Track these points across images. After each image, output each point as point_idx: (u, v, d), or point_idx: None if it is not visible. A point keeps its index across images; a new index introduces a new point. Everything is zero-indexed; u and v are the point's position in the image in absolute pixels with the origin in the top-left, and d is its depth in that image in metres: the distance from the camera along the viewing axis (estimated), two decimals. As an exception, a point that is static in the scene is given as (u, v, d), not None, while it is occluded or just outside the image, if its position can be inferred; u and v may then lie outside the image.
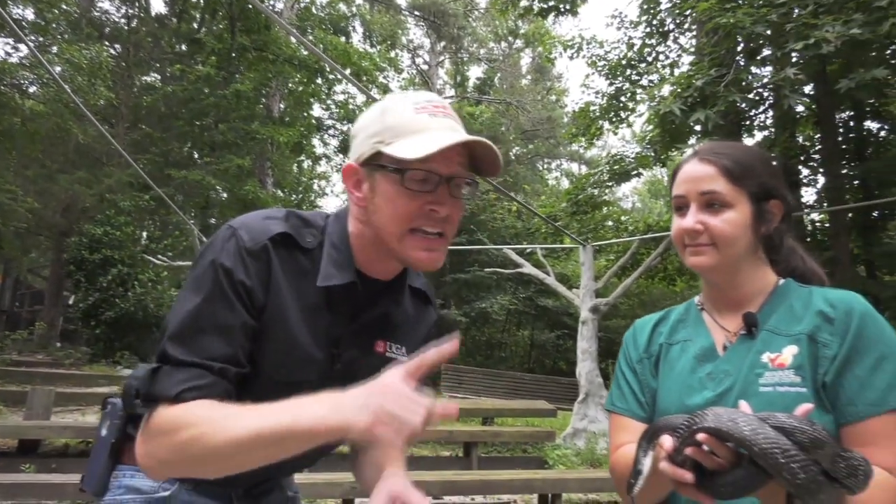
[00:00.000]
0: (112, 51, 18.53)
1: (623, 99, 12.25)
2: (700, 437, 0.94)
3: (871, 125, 12.68)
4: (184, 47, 20.11)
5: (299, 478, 4.87)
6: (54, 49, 14.82)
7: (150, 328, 14.49)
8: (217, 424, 0.94)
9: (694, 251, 1.27)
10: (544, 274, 11.39)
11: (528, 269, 11.57)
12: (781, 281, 1.32)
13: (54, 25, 16.05)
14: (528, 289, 22.03)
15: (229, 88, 17.34)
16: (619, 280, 11.79)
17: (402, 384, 0.89)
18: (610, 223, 14.20)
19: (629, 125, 13.25)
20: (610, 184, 12.85)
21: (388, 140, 1.09)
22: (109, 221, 15.01)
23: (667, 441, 0.98)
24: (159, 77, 20.63)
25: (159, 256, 14.68)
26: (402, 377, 0.90)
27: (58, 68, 13.72)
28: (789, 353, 1.18)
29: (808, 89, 11.07)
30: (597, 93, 12.89)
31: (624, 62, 12.33)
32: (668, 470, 0.98)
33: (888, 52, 8.09)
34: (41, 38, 15.30)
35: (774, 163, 1.37)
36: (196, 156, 19.57)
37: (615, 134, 13.41)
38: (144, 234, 18.13)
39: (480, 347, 25.66)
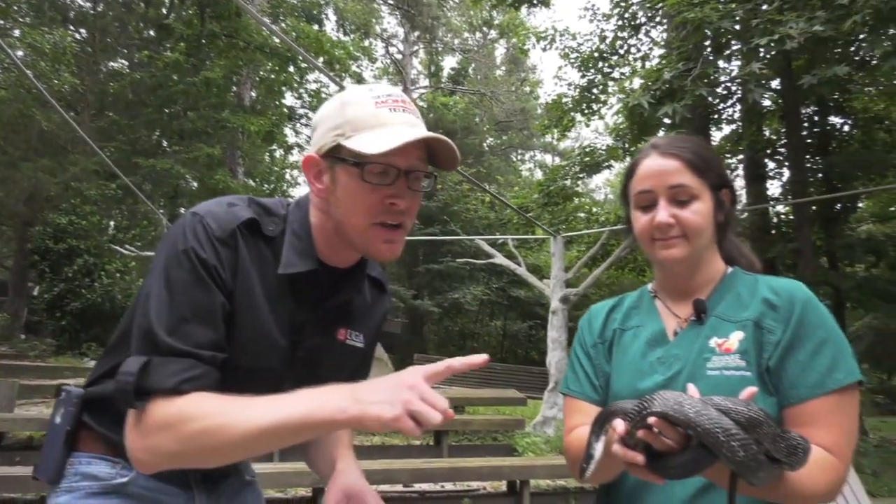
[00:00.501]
0: (77, 35, 18.08)
1: (595, 91, 12.35)
2: (651, 420, 0.98)
3: (835, 120, 12.99)
4: (152, 33, 19.69)
5: (271, 468, 4.88)
6: (16, 32, 14.42)
7: (118, 319, 14.20)
8: (232, 416, 0.96)
9: (665, 244, 1.30)
10: (516, 264, 11.47)
11: (500, 259, 11.64)
12: (729, 269, 1.37)
13: (15, 8, 15.61)
14: (500, 279, 22.18)
15: (199, 76, 17.04)
16: (590, 270, 11.93)
17: (423, 383, 0.91)
18: (581, 214, 14.35)
19: (601, 117, 13.40)
20: (581, 175, 12.98)
21: (348, 133, 1.10)
22: (75, 210, 14.69)
23: (620, 425, 1.01)
24: (126, 63, 20.19)
25: (127, 246, 14.42)
26: (423, 376, 0.91)
27: (20, 53, 13.37)
28: (736, 338, 1.24)
29: (774, 84, 11.29)
30: (569, 85, 13.00)
31: (596, 54, 12.43)
32: (620, 453, 1.01)
33: (851, 49, 8.29)
34: (1, 21, 14.87)
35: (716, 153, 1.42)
36: (164, 144, 19.22)
37: (587, 126, 13.57)
38: (111, 223, 17.79)
39: (453, 337, 25.79)
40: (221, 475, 1.33)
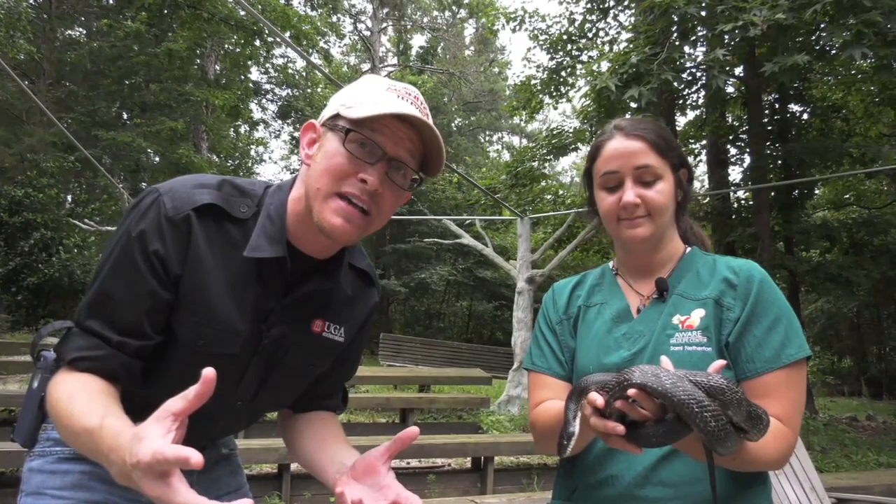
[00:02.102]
0: (32, 1, 17.38)
1: (563, 73, 12.40)
2: (631, 392, 1.02)
3: (795, 108, 13.28)
4: (111, 1, 19.04)
5: (237, 444, 4.87)
6: (-33, -4, 13.81)
7: (77, 295, 13.95)
8: (61, 413, 1.00)
9: (631, 224, 1.33)
10: (483, 245, 11.55)
11: (467, 240, 11.69)
12: (688, 249, 1.42)
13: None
14: (467, 260, 22.25)
15: (161, 47, 16.57)
16: (555, 252, 12.06)
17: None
18: (548, 196, 14.44)
19: (569, 100, 13.45)
20: (549, 157, 13.06)
21: (349, 105, 1.11)
22: (31, 183, 14.25)
23: (597, 398, 1.05)
24: (84, 32, 19.51)
25: (86, 221, 14.05)
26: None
27: (-29, 18, 12.81)
28: (697, 315, 1.29)
29: (738, 71, 11.49)
30: (538, 67, 13.02)
31: (565, 37, 12.47)
32: (600, 425, 1.05)
33: (812, 38, 8.48)
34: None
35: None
36: (125, 116, 18.71)
37: (555, 108, 13.65)
38: (69, 197, 17.31)
39: (419, 317, 25.86)
40: (196, 448, 1.33)
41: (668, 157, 1.34)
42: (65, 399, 1.01)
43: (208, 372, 0.81)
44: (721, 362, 1.09)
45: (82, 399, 1.00)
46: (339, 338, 1.29)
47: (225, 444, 1.45)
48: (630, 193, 1.31)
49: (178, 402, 0.82)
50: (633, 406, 1.03)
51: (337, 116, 1.12)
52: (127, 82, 17.68)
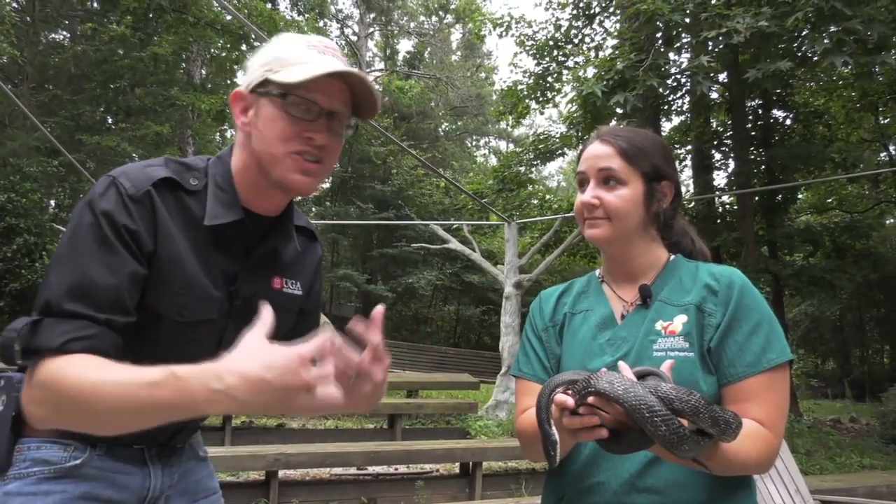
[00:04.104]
0: (15, 4, 17.22)
1: (549, 79, 12.48)
2: (590, 399, 1.05)
3: (778, 114, 13.45)
4: (96, 5, 18.90)
5: (223, 451, 4.85)
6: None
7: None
8: (95, 389, 0.95)
9: (590, 224, 1.39)
10: (470, 250, 11.56)
11: (454, 245, 11.70)
12: (672, 257, 1.45)
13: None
14: (454, 265, 22.27)
15: (146, 51, 16.46)
16: (543, 257, 12.11)
17: (307, 370, 0.88)
18: (535, 201, 14.52)
19: (555, 105, 13.54)
20: (535, 162, 13.14)
21: (275, 69, 1.15)
22: (14, 188, 14.05)
23: (567, 399, 1.07)
24: (68, 35, 19.34)
25: (69, 226, 13.93)
26: (307, 357, 0.88)
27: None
28: (679, 321, 1.31)
29: (722, 77, 11.62)
30: (524, 72, 13.08)
31: (551, 43, 12.55)
32: (576, 423, 1.07)
33: (794, 45, 8.59)
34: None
35: (668, 149, 1.50)
36: (110, 121, 18.54)
37: (541, 113, 13.75)
38: (53, 202, 17.13)
39: (407, 322, 25.81)
40: (175, 449, 1.33)
41: (636, 164, 1.37)
42: (93, 374, 0.96)
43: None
44: (670, 362, 1.15)
45: (116, 367, 0.97)
46: (297, 291, 1.35)
47: (200, 448, 1.44)
48: (588, 193, 1.38)
49: (261, 328, 0.92)
50: (594, 412, 1.05)
51: (266, 83, 1.16)
52: (112, 86, 17.51)
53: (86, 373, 0.97)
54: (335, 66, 1.14)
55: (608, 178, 1.37)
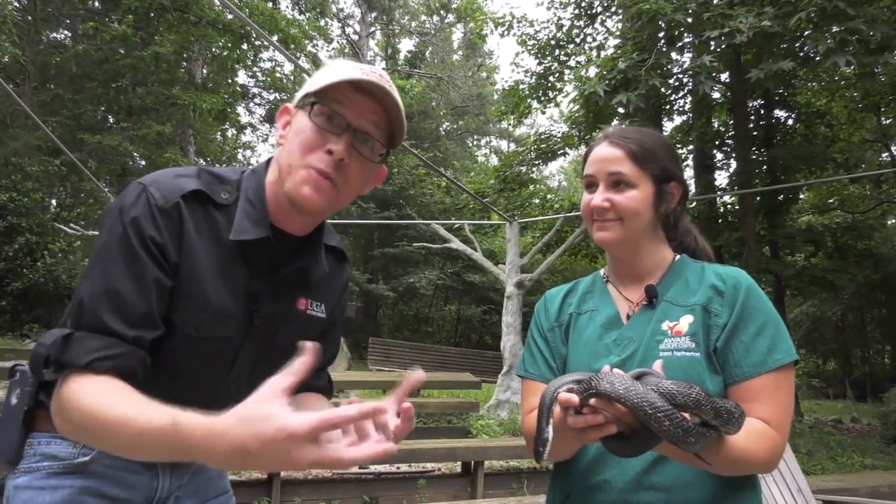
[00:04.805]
0: (16, 3, 17.23)
1: (551, 79, 12.47)
2: (592, 400, 1.05)
3: (780, 114, 13.43)
4: (97, 4, 18.90)
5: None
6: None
7: (63, 300, 13.81)
8: (106, 425, 0.94)
9: (601, 226, 1.39)
10: (472, 249, 11.56)
11: (455, 244, 11.70)
12: (678, 257, 1.45)
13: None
14: (455, 264, 22.26)
15: (148, 50, 16.47)
16: (544, 256, 12.11)
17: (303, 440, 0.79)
18: (536, 201, 14.49)
19: (556, 105, 13.52)
20: (537, 162, 13.12)
21: (317, 83, 1.16)
22: (15, 187, 14.11)
23: (571, 396, 1.06)
24: (69, 35, 19.36)
25: (71, 225, 13.92)
26: (306, 430, 0.79)
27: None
28: (686, 321, 1.32)
29: (724, 77, 11.61)
30: (526, 71, 13.07)
31: (553, 42, 12.53)
32: (580, 422, 1.06)
33: (796, 45, 8.59)
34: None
35: (674, 149, 1.50)
36: (111, 120, 18.55)
37: (543, 113, 13.72)
38: (54, 201, 17.15)
39: (408, 322, 25.83)
40: None
41: (646, 167, 1.37)
42: (103, 405, 0.95)
43: (311, 345, 0.84)
44: (659, 362, 1.16)
45: (127, 401, 0.96)
46: (321, 314, 1.32)
47: None
48: (598, 197, 1.38)
49: (287, 378, 0.83)
50: (597, 413, 1.05)
51: (306, 95, 1.17)
52: (113, 85, 17.54)
53: (98, 402, 0.96)
54: (361, 76, 1.12)
55: (618, 181, 1.37)
